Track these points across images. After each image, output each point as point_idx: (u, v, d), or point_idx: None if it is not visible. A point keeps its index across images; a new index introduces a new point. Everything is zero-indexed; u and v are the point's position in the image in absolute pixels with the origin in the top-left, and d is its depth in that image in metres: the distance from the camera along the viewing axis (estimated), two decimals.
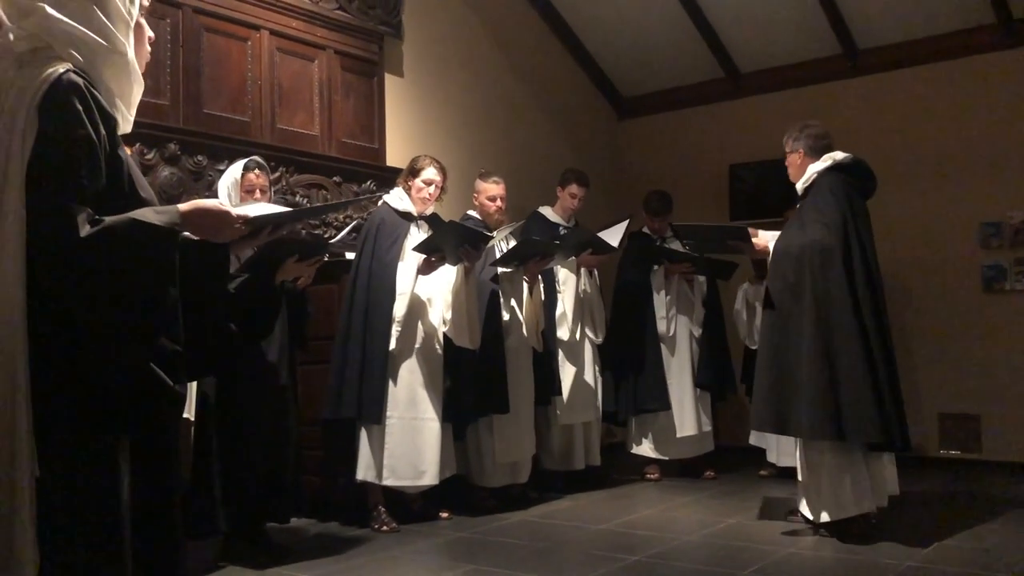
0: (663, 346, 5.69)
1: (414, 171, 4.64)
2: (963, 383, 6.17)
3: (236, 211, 1.97)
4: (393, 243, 4.53)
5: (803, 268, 4.06)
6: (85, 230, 1.69)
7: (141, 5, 1.95)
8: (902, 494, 4.49)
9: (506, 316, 4.92)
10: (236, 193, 3.93)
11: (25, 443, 1.65)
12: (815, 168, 4.28)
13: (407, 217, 4.64)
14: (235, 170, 4.00)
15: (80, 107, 1.74)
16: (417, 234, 4.59)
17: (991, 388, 6.08)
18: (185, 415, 3.83)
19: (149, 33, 2.01)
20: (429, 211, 4.70)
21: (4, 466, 1.65)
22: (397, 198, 4.67)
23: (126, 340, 1.74)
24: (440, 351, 4.60)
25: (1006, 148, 6.10)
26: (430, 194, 4.63)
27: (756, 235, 4.35)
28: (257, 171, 3.98)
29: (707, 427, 5.80)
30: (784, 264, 4.15)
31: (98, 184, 1.75)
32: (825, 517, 4.06)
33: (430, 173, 4.62)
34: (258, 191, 3.94)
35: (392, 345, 4.41)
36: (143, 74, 1.96)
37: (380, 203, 4.81)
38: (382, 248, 4.50)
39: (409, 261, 4.49)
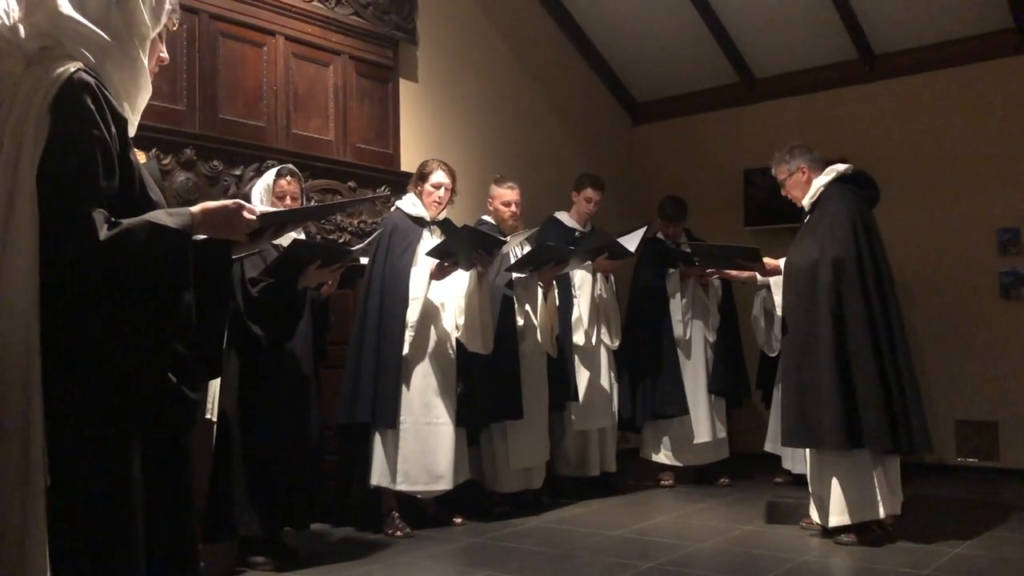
0: (679, 350, 5.68)
1: (423, 176, 4.66)
2: (981, 390, 6.12)
3: (246, 205, 1.95)
4: (406, 248, 4.54)
5: (816, 282, 4.09)
6: (103, 233, 1.67)
7: (165, 25, 1.93)
8: (920, 501, 4.46)
9: (520, 322, 4.91)
10: (268, 199, 4.00)
11: (39, 453, 1.63)
12: (820, 182, 4.31)
13: (420, 222, 4.64)
14: (268, 176, 4.08)
15: (93, 107, 1.72)
16: (430, 239, 4.59)
17: (1009, 395, 6.03)
18: (207, 416, 3.86)
19: (163, 55, 1.98)
20: (442, 216, 4.71)
21: (18, 476, 1.63)
22: (410, 204, 4.68)
23: (141, 344, 1.72)
24: (453, 356, 4.59)
25: None
26: (441, 197, 4.63)
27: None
28: (289, 178, 4.05)
29: (722, 433, 5.77)
30: (797, 280, 4.18)
31: (113, 185, 1.74)
32: (835, 522, 4.07)
33: (439, 176, 4.63)
34: (289, 198, 4.00)
35: (406, 350, 4.42)
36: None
37: (393, 209, 4.82)
38: (395, 254, 4.51)
39: (422, 266, 4.49)
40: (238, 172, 4.70)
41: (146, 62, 1.89)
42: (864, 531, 4.07)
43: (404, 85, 5.74)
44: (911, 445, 4.02)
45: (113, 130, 1.75)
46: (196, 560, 1.89)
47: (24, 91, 1.72)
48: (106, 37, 1.80)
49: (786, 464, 5.61)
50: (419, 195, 4.67)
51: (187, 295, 1.78)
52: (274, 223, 2.20)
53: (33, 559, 1.63)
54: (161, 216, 1.76)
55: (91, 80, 1.74)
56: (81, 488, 1.69)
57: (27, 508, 1.63)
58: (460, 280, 4.55)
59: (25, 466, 1.63)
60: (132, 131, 1.89)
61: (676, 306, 5.69)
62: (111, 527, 1.71)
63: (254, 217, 1.94)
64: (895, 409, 3.98)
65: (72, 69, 1.73)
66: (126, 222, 1.70)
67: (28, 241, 1.65)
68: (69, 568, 1.67)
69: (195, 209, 1.85)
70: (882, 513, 4.06)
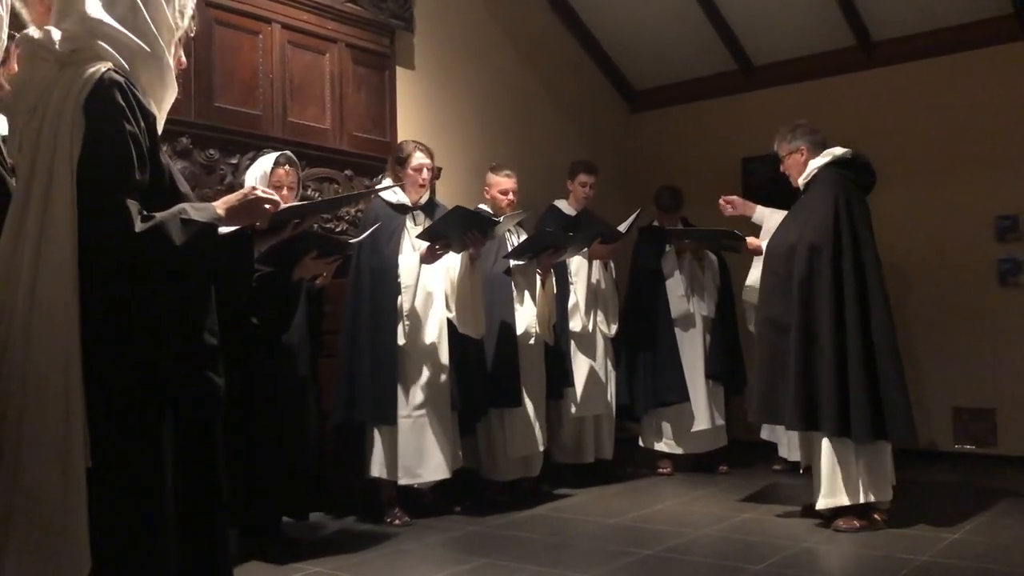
0: (677, 331, 5.67)
1: (401, 160, 4.59)
2: (978, 377, 6.12)
3: (260, 188, 2.04)
4: (391, 238, 4.48)
5: (791, 266, 4.16)
6: (138, 225, 1.75)
7: (185, 30, 2.02)
8: (917, 488, 4.46)
9: (519, 309, 4.90)
10: (263, 186, 3.90)
11: (79, 435, 1.71)
12: (815, 164, 4.33)
13: (402, 210, 4.59)
14: (265, 163, 3.93)
15: (123, 103, 1.80)
16: (414, 226, 4.55)
17: (1007, 382, 6.03)
18: None
19: (182, 58, 2.07)
20: (424, 199, 4.65)
21: (58, 457, 1.70)
22: (390, 191, 4.58)
23: (173, 334, 1.81)
24: (448, 344, 4.56)
25: (1022, 140, 6.05)
26: (424, 179, 4.57)
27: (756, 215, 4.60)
28: (287, 167, 3.91)
29: (720, 421, 5.78)
30: (773, 262, 4.29)
31: (145, 178, 1.82)
32: (823, 504, 4.10)
33: (420, 158, 4.56)
34: (285, 188, 3.85)
35: (401, 340, 4.39)
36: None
37: (373, 198, 4.74)
38: (380, 244, 4.44)
39: (409, 254, 4.46)
40: (234, 161, 4.68)
41: (170, 59, 1.98)
42: (847, 512, 4.08)
43: (401, 73, 5.71)
44: (876, 431, 3.98)
45: (143, 124, 1.84)
46: (226, 546, 2.00)
47: (58, 92, 1.81)
48: (134, 39, 1.88)
49: (783, 452, 5.62)
50: (398, 180, 4.60)
51: (212, 286, 1.89)
52: (295, 215, 2.27)
53: (74, 539, 1.69)
54: (188, 210, 1.84)
55: (120, 79, 1.83)
56: (119, 472, 1.76)
57: (68, 488, 1.70)
58: (452, 264, 4.52)
59: (66, 448, 1.70)
60: (160, 129, 1.98)
61: (676, 282, 5.70)
62: (146, 510, 1.79)
63: (273, 197, 2.02)
64: (852, 396, 3.98)
65: (103, 69, 1.82)
66: (159, 215, 1.79)
67: (66, 233, 1.74)
68: (106, 549, 1.73)
69: (218, 204, 1.95)
70: (862, 499, 4.05)
